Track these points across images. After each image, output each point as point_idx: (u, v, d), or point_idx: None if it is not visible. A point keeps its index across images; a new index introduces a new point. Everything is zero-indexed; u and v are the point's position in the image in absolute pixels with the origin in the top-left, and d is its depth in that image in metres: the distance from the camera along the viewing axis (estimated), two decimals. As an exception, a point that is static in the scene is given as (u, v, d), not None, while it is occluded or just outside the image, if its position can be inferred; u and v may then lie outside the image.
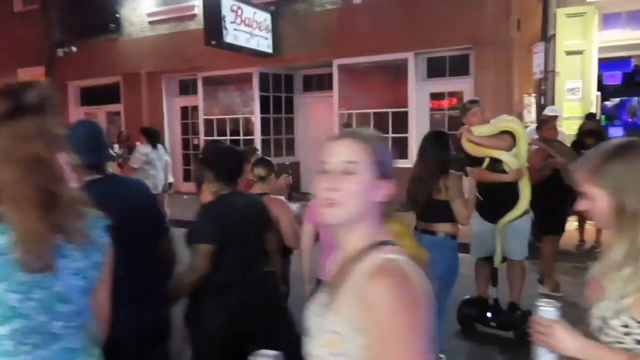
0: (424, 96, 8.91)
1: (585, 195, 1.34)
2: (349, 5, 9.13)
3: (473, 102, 4.08)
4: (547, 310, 1.34)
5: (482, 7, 7.93)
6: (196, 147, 11.54)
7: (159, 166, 7.17)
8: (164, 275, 2.17)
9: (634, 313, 1.27)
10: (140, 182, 2.43)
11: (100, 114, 12.84)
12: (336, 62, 9.37)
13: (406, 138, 8.87)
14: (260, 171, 3.27)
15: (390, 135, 9.05)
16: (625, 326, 1.29)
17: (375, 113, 9.19)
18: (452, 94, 8.84)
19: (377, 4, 8.74)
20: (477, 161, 3.91)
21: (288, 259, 3.35)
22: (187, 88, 11.74)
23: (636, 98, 11.30)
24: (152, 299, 2.04)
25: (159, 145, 7.42)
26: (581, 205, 1.35)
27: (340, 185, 1.13)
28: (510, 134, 3.73)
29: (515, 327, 3.85)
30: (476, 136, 3.79)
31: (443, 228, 3.19)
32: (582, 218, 6.05)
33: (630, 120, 10.45)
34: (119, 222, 1.56)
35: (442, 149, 3.28)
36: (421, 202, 3.16)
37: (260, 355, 1.16)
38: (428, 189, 3.15)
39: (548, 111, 6.46)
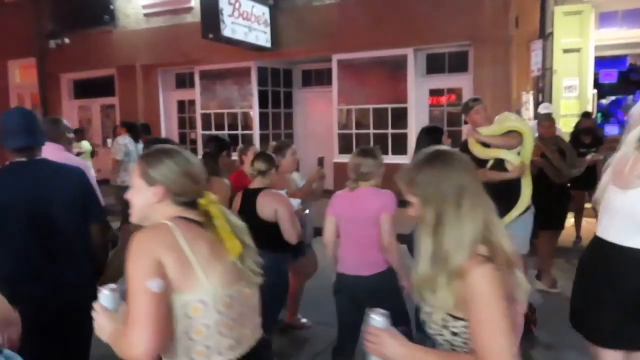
0: (424, 92, 8.97)
1: (410, 203, 1.44)
2: (348, 0, 9.13)
3: (475, 100, 4.07)
4: (376, 320, 1.43)
5: (481, 4, 7.99)
6: (193, 141, 11.52)
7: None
8: (82, 257, 2.30)
9: (450, 310, 1.39)
10: (71, 168, 2.41)
11: (94, 106, 12.75)
12: (335, 57, 9.38)
13: (405, 134, 8.94)
14: (260, 165, 3.26)
15: (390, 131, 9.12)
16: (444, 320, 1.42)
17: (374, 109, 9.24)
18: (451, 91, 8.92)
19: (375, -1, 8.76)
20: (480, 162, 3.94)
21: (288, 254, 3.31)
22: (183, 82, 11.67)
23: (631, 96, 11.45)
24: (63, 279, 2.17)
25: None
26: (410, 211, 1.45)
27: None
28: (518, 133, 3.77)
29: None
30: (485, 136, 3.82)
31: None
32: (579, 215, 6.16)
33: (625, 118, 10.56)
34: (24, 204, 1.98)
35: (433, 143, 3.37)
36: None
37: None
38: None
39: (541, 109, 6.51)
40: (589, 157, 5.57)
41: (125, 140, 7.16)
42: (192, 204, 1.55)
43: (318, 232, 5.99)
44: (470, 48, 8.46)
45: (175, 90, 11.83)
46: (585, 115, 6.67)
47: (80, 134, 8.85)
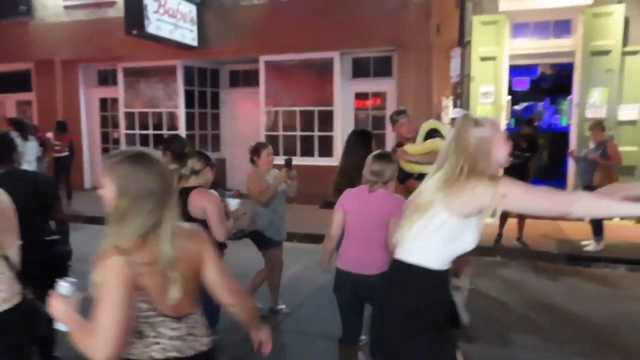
0: (349, 95, 9.09)
1: (103, 185, 1.59)
2: (276, 2, 9.10)
3: (400, 113, 4.21)
4: (62, 287, 1.65)
5: (405, 12, 8.21)
6: (116, 140, 11.03)
7: (29, 158, 7.27)
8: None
9: None
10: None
11: (9, 102, 11.90)
12: (263, 59, 9.31)
13: (331, 137, 9.01)
14: (195, 164, 3.24)
15: (316, 133, 9.16)
16: None
17: (301, 111, 9.24)
18: (376, 94, 9.09)
19: (303, 1, 8.79)
20: (408, 174, 4.10)
21: (220, 252, 3.29)
22: (106, 78, 11.16)
23: (541, 103, 12.24)
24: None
25: (31, 138, 7.61)
26: (100, 191, 1.60)
27: None
28: (437, 150, 3.99)
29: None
30: (414, 155, 3.99)
31: None
32: (505, 215, 6.44)
33: (536, 123, 11.28)
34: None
35: (364, 147, 3.46)
36: None
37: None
38: (351, 182, 3.28)
39: (454, 114, 6.79)
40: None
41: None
42: None
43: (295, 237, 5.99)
44: (394, 53, 8.67)
45: (98, 87, 11.28)
46: (528, 122, 7.07)
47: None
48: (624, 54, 7.40)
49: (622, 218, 5.89)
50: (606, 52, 7.42)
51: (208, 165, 3.26)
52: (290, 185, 4.28)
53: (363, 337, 3.06)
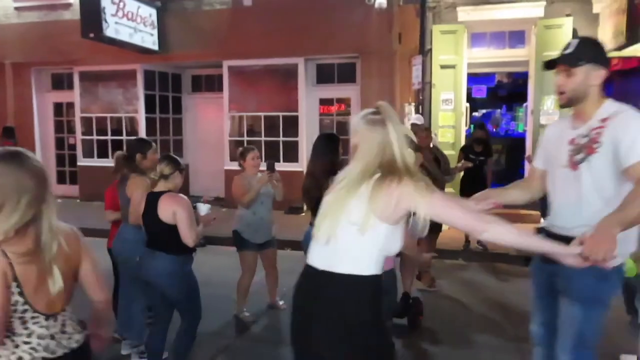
0: (314, 101, 9.14)
1: None
2: (239, 7, 9.07)
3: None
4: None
5: (368, 20, 8.35)
6: (72, 146, 10.65)
7: None
8: None
9: None
10: None
11: (-46, 107, 11.28)
12: (226, 64, 9.24)
13: (297, 142, 9.03)
14: (164, 169, 3.21)
15: (281, 139, 9.16)
16: None
17: (266, 116, 9.22)
18: (340, 100, 9.18)
19: (267, 7, 8.79)
20: None
21: (190, 256, 3.29)
22: (61, 82, 10.77)
23: (499, 110, 12.70)
24: None
25: None
26: None
27: None
28: None
29: (408, 314, 4.28)
30: None
31: None
32: None
33: (494, 130, 11.70)
34: None
35: (332, 151, 3.50)
36: (313, 197, 3.29)
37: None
38: (319, 186, 3.28)
39: (413, 120, 6.91)
40: (459, 164, 6.01)
41: None
42: None
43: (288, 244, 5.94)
44: (357, 60, 8.80)
45: (52, 91, 10.87)
46: (480, 126, 7.21)
47: None
48: (574, 64, 7.78)
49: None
50: (558, 62, 7.78)
51: (177, 170, 3.25)
52: (276, 189, 4.38)
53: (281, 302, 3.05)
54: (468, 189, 6.41)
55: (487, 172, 6.68)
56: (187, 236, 3.08)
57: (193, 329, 3.27)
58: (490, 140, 7.04)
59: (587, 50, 2.17)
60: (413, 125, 6.13)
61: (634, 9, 6.55)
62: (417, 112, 8.07)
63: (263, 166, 4.39)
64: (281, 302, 4.71)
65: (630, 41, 6.71)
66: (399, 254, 3.93)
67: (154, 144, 3.96)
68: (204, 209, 3.37)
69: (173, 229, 3.10)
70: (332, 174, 3.30)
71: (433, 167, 5.16)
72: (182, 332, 3.24)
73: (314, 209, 3.41)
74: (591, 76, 2.15)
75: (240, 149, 4.53)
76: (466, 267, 6.26)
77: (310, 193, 3.35)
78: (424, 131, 5.57)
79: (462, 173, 6.02)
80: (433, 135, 6.16)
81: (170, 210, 3.08)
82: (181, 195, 3.22)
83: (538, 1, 7.85)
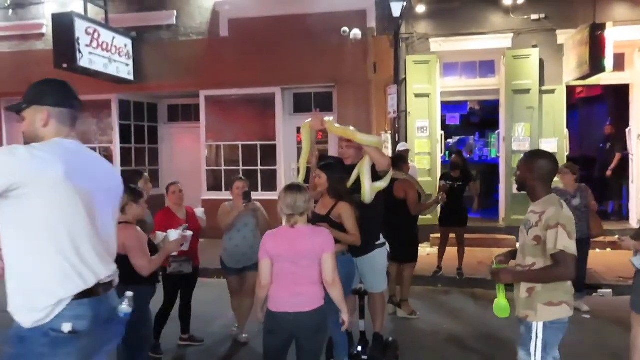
0: (291, 130, 9.18)
1: None
2: (216, 37, 9.14)
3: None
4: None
5: (343, 50, 8.52)
6: (43, 178, 10.37)
7: None
8: None
9: None
10: None
11: None
12: (203, 93, 9.24)
13: (275, 170, 9.03)
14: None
15: (260, 167, 9.14)
16: None
17: (244, 145, 9.21)
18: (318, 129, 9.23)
19: (243, 38, 8.89)
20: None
21: (145, 287, 3.26)
22: (32, 113, 10.55)
23: (472, 137, 13.03)
24: None
25: None
26: None
27: None
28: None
29: (384, 356, 3.98)
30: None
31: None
32: (444, 245, 6.64)
33: (468, 155, 11.97)
34: None
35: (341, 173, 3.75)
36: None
37: None
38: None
39: (400, 147, 7.10)
40: (434, 197, 6.00)
41: None
42: None
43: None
44: (334, 89, 8.93)
45: (22, 122, 10.62)
46: (457, 153, 7.33)
47: None
48: (541, 92, 8.11)
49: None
50: (526, 91, 8.09)
51: (132, 201, 3.25)
52: (259, 219, 4.55)
53: None
54: (447, 215, 6.49)
55: (463, 198, 6.67)
56: (138, 266, 3.11)
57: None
58: (467, 165, 7.07)
59: (28, 92, 2.14)
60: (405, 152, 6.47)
61: (596, 40, 6.88)
62: (393, 140, 8.20)
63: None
64: (244, 336, 4.63)
65: (593, 71, 7.04)
66: (355, 292, 3.89)
67: (145, 174, 4.10)
68: (174, 235, 3.38)
69: (125, 260, 3.08)
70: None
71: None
72: None
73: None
74: (37, 118, 2.06)
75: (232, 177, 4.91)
76: (446, 293, 6.29)
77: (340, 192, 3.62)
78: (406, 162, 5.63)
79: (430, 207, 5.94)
80: (410, 162, 6.26)
81: (120, 242, 3.07)
82: (135, 227, 3.24)
83: (506, 33, 8.17)
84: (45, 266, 1.88)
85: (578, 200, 5.14)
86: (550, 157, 2.73)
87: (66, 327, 1.92)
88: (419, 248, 5.68)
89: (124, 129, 9.75)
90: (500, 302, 2.63)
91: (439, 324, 5.15)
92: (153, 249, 3.33)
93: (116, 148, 9.66)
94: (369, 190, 3.68)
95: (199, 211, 4.68)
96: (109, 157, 9.74)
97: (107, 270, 2.05)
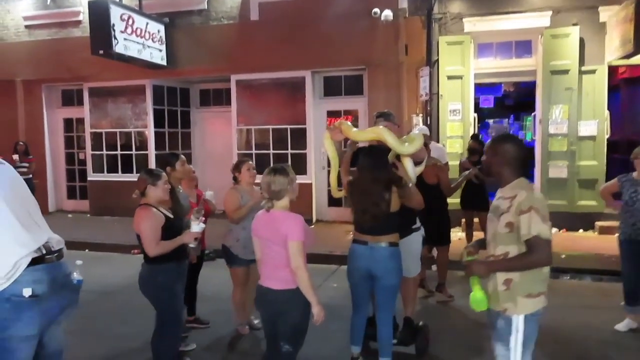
0: (321, 113, 9.17)
1: None
2: (246, 21, 9.16)
3: (379, 115, 3.95)
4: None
5: (374, 32, 8.40)
6: (82, 161, 10.74)
7: None
8: None
9: None
10: None
11: (-34, 124, 11.44)
12: (234, 78, 9.31)
13: (305, 154, 9.05)
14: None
15: (290, 151, 9.18)
16: None
17: (274, 129, 9.25)
18: (347, 112, 9.21)
19: (274, 21, 8.88)
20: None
21: (165, 265, 3.35)
22: (71, 99, 10.90)
23: (507, 119, 12.69)
24: None
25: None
26: None
27: None
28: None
29: (415, 341, 3.92)
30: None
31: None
32: (471, 228, 6.55)
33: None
34: None
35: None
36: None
37: None
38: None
39: (416, 130, 6.62)
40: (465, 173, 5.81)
41: None
42: None
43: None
44: (364, 72, 8.83)
45: (62, 107, 11.00)
46: (474, 137, 7.09)
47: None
48: (581, 72, 7.79)
49: None
50: (565, 71, 7.79)
51: (149, 184, 3.35)
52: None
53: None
54: (469, 198, 6.34)
55: (483, 182, 6.42)
56: (146, 247, 3.28)
57: (164, 333, 3.37)
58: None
59: None
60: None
61: (641, 17, 6.54)
62: (424, 123, 8.07)
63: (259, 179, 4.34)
64: (256, 321, 4.43)
65: (637, 49, 6.70)
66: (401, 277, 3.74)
67: (182, 156, 4.10)
68: (195, 227, 3.38)
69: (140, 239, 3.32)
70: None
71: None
72: (154, 333, 3.42)
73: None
74: None
75: (235, 161, 4.55)
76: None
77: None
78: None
79: (462, 184, 5.80)
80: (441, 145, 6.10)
81: (135, 222, 3.31)
82: (150, 209, 3.31)
83: (544, 11, 7.87)
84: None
85: None
86: (517, 141, 2.57)
87: (27, 292, 2.09)
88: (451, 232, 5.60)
89: (157, 113, 9.95)
90: (476, 294, 2.48)
91: (470, 308, 5.07)
92: (175, 232, 3.37)
93: (150, 132, 9.88)
94: (411, 171, 3.54)
95: (209, 194, 4.47)
96: (143, 141, 9.99)
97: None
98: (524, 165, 2.50)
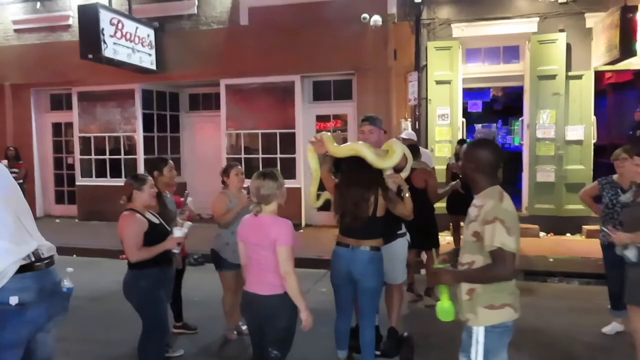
0: (311, 118, 9.19)
1: None
2: (236, 26, 9.17)
3: (364, 120, 3.80)
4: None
5: (363, 37, 8.44)
6: (70, 166, 10.67)
7: None
8: None
9: None
10: None
11: (-47, 128, 11.32)
12: (223, 82, 9.31)
13: (294, 159, 9.05)
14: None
15: (279, 156, 9.19)
16: None
17: (263, 134, 9.25)
18: (337, 117, 9.23)
19: (264, 26, 8.89)
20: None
21: (147, 270, 3.33)
22: (60, 103, 10.84)
23: (494, 124, 12.80)
24: None
25: None
26: None
27: None
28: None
29: (399, 353, 3.82)
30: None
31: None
32: (457, 232, 6.59)
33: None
34: None
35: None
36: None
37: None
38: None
39: (404, 135, 6.56)
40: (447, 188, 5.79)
41: None
42: None
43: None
44: (354, 77, 8.86)
45: (50, 112, 10.93)
46: (460, 142, 7.16)
47: None
48: (568, 78, 7.88)
49: None
50: (552, 77, 7.88)
51: (135, 189, 3.34)
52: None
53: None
54: (455, 204, 6.35)
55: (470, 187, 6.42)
56: (127, 253, 3.29)
57: (149, 338, 3.35)
58: None
59: None
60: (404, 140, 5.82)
61: (627, 23, 6.65)
62: (413, 127, 8.11)
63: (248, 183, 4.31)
64: (244, 327, 4.30)
65: (623, 55, 6.80)
66: (384, 285, 3.68)
67: (170, 161, 4.09)
68: (177, 232, 3.37)
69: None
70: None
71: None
72: (140, 339, 3.39)
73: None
74: None
75: (223, 165, 4.51)
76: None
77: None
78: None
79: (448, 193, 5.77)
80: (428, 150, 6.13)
81: (119, 227, 3.31)
82: (133, 214, 3.30)
83: (531, 17, 7.96)
84: None
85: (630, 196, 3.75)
86: (493, 146, 2.47)
87: (13, 300, 2.07)
88: (439, 236, 5.62)
89: (146, 118, 9.92)
90: (443, 304, 2.40)
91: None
92: (161, 236, 3.36)
93: (139, 137, 9.84)
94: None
95: (189, 201, 4.48)
96: (132, 145, 9.94)
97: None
98: (497, 169, 2.42)
